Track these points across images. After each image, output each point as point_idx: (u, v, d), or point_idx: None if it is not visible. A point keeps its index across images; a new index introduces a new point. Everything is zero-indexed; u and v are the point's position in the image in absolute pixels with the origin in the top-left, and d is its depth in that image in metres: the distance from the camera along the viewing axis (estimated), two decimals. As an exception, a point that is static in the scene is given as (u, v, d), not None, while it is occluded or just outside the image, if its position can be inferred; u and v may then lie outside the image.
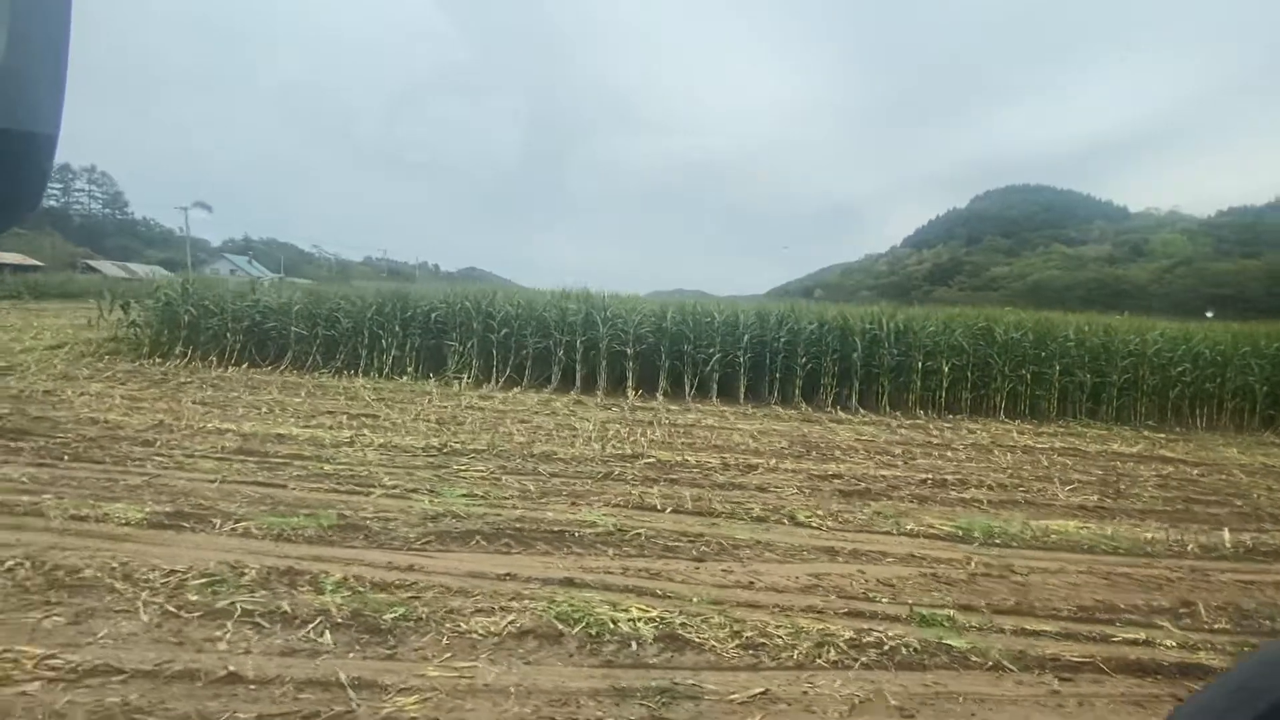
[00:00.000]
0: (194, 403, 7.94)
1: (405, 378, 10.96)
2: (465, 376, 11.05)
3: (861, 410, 10.34)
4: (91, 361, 10.79)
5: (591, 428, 7.79)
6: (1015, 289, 78.76)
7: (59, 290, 31.50)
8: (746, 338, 10.78)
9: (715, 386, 10.83)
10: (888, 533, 4.66)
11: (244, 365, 11.12)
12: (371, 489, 4.99)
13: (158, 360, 11.14)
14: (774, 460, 6.66)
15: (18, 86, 0.47)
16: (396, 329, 11.43)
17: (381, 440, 6.51)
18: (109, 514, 4.02)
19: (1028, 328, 10.72)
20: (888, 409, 10.44)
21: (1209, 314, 30.02)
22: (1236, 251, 79.84)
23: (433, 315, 11.52)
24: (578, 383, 10.97)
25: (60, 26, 0.49)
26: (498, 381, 10.99)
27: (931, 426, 9.33)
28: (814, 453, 7.22)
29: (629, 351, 10.99)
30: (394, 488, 5.03)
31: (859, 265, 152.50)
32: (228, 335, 11.47)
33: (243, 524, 4.02)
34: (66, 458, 5.29)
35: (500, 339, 11.29)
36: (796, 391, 10.69)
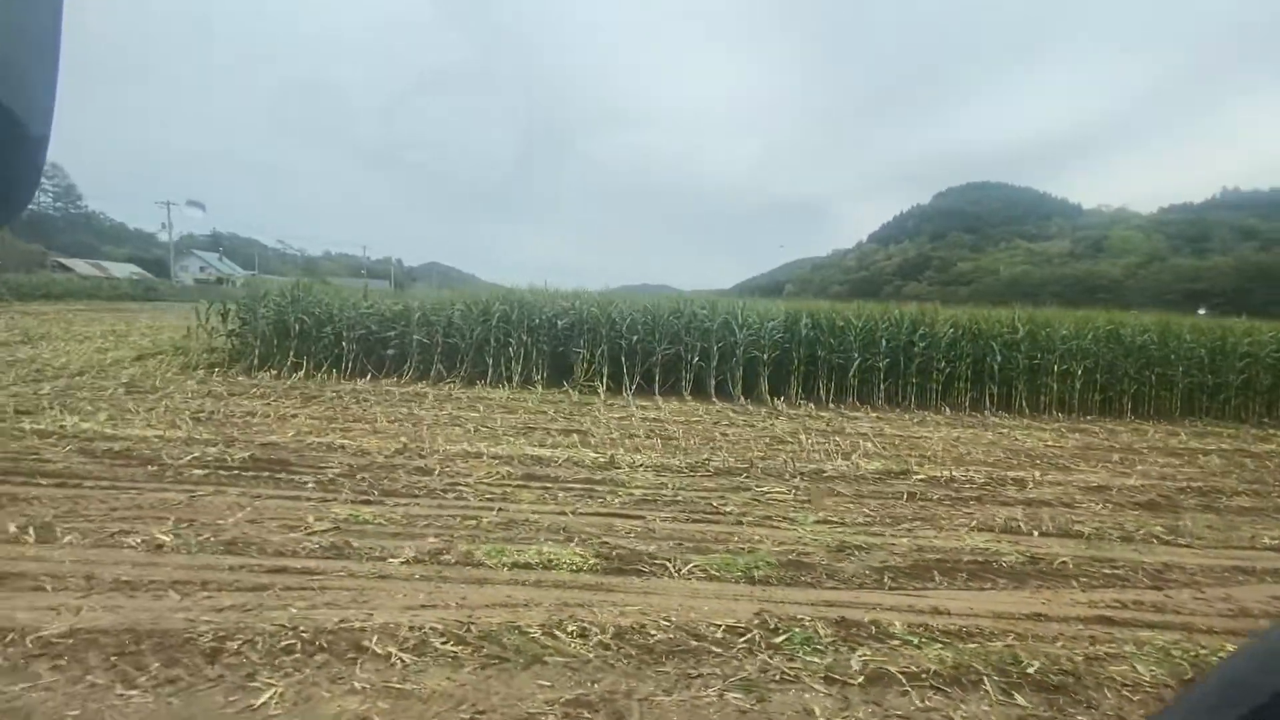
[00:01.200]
0: (389, 421, 7.48)
1: (537, 387, 10.61)
2: (599, 385, 10.77)
3: (1001, 413, 10.52)
4: (204, 375, 10.08)
5: (805, 439, 7.68)
6: (988, 284, 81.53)
7: (41, 292, 29.41)
8: (885, 343, 10.83)
9: (854, 391, 10.86)
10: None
11: (367, 376, 10.58)
12: (720, 517, 4.79)
13: (272, 372, 10.48)
14: (1046, 471, 6.69)
15: (9, 81, 0.46)
16: (524, 337, 11.05)
17: (640, 460, 6.26)
18: (553, 559, 3.74)
19: (1151, 330, 11.06)
20: (1025, 410, 10.66)
21: (1201, 310, 31.64)
22: (1186, 248, 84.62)
23: (559, 322, 11.17)
24: (712, 389, 10.83)
25: (52, 20, 0.48)
26: (631, 390, 10.75)
27: (1102, 429, 9.55)
28: (1096, 461, 7.28)
29: (764, 357, 10.91)
30: (742, 516, 4.83)
31: (828, 261, 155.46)
32: (343, 345, 10.89)
33: (688, 565, 3.80)
34: (377, 493, 4.90)
35: (630, 345, 11.05)
36: (937, 396, 10.79)
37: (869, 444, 7.64)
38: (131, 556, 3.56)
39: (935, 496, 5.60)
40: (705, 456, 6.61)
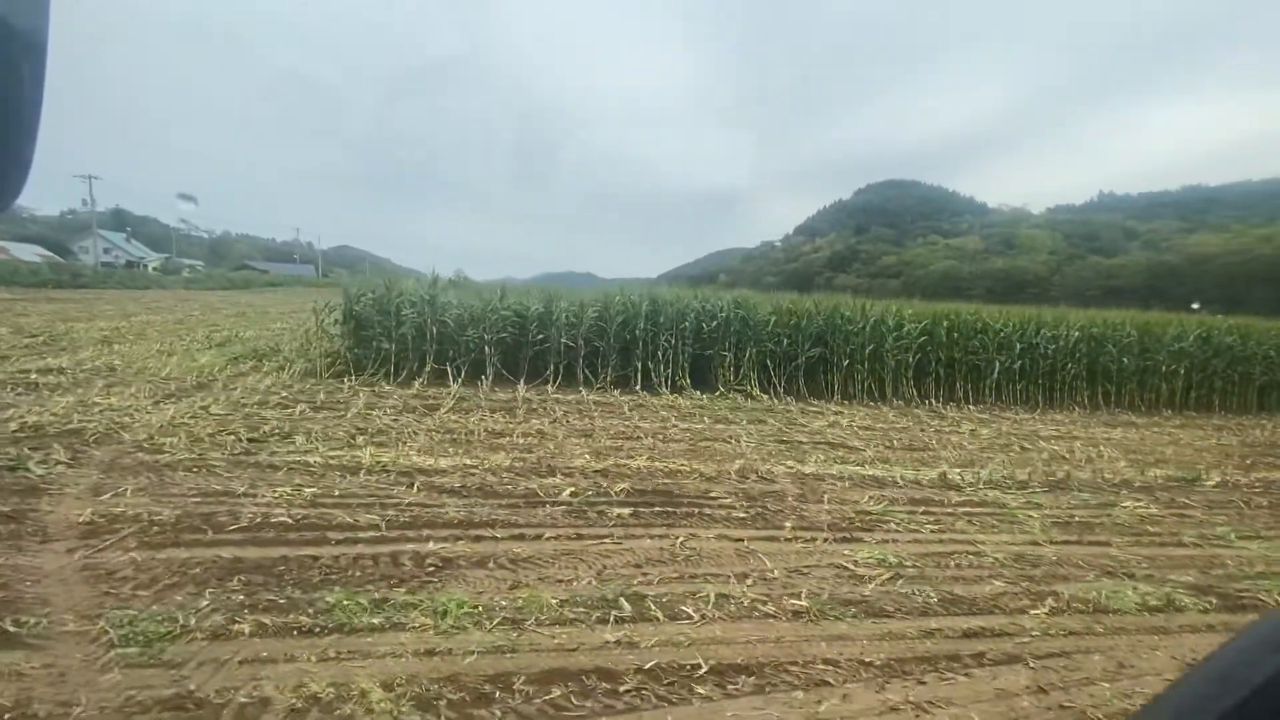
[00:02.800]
0: (660, 438, 6.92)
1: (694, 392, 10.20)
2: (750, 388, 10.52)
3: (1117, 410, 11.24)
4: (350, 385, 8.93)
5: (1049, 445, 7.86)
6: (917, 277, 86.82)
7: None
8: (1019, 345, 11.25)
9: (994, 392, 11.21)
10: None
11: (519, 383, 9.76)
12: (1166, 537, 4.79)
13: (417, 381, 9.45)
14: None
15: (2, 76, 0.46)
16: (670, 340, 10.58)
17: (972, 477, 6.15)
18: (1125, 599, 3.57)
19: (1235, 332, 12.12)
20: (1141, 408, 11.43)
21: (1195, 305, 34.98)
22: (1083, 246, 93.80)
23: (703, 325, 10.78)
24: (862, 392, 10.86)
25: (41, 12, 0.49)
26: (784, 393, 10.58)
27: (1238, 424, 10.38)
28: None
29: (909, 359, 11.04)
30: (1176, 534, 4.86)
31: (758, 252, 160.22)
32: (487, 350, 9.99)
33: None
34: (844, 527, 4.51)
35: (779, 349, 10.86)
36: (1060, 395, 11.35)
37: (1103, 449, 7.90)
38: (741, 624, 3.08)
39: (1250, 502, 5.88)
40: (1029, 470, 6.58)
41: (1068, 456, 7.39)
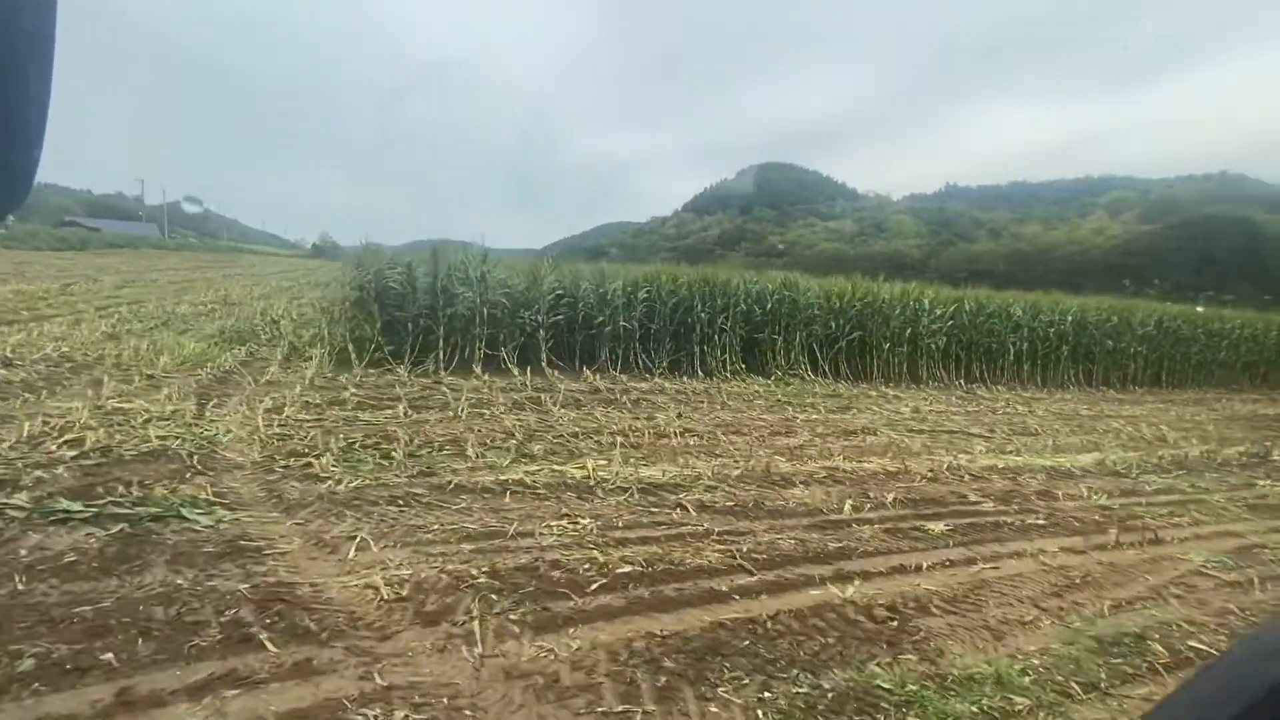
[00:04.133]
0: (821, 435, 6.47)
1: (751, 377, 9.86)
2: (803, 373, 10.37)
3: (1097, 388, 12.50)
4: (376, 374, 7.52)
5: (1156, 423, 8.44)
6: (805, 257, 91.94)
7: None
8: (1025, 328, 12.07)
9: (1006, 371, 11.95)
10: None
11: (577, 368, 8.81)
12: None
13: (463, 368, 8.20)
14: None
15: (8, 79, 0.46)
16: (725, 323, 10.10)
17: (1128, 458, 6.39)
18: None
19: (1179, 318, 13.89)
20: (1115, 386, 12.78)
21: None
22: (943, 232, 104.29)
23: (754, 308, 10.41)
24: (899, 375, 11.11)
25: (47, 12, 0.49)
26: (831, 377, 10.55)
27: (1205, 394, 11.85)
28: None
29: (940, 342, 11.45)
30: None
31: (648, 227, 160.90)
32: (540, 333, 8.90)
33: None
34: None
35: (821, 331, 10.79)
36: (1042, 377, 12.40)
37: (1148, 426, 8.64)
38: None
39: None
40: (1124, 453, 6.96)
41: (1137, 434, 7.99)
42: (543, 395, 7.24)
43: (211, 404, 5.64)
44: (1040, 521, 4.41)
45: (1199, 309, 16.43)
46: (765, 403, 8.15)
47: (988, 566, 3.57)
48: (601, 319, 9.29)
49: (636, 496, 4.23)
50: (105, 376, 6.09)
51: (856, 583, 3.21)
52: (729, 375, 9.78)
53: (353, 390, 6.62)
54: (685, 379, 9.25)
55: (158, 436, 4.51)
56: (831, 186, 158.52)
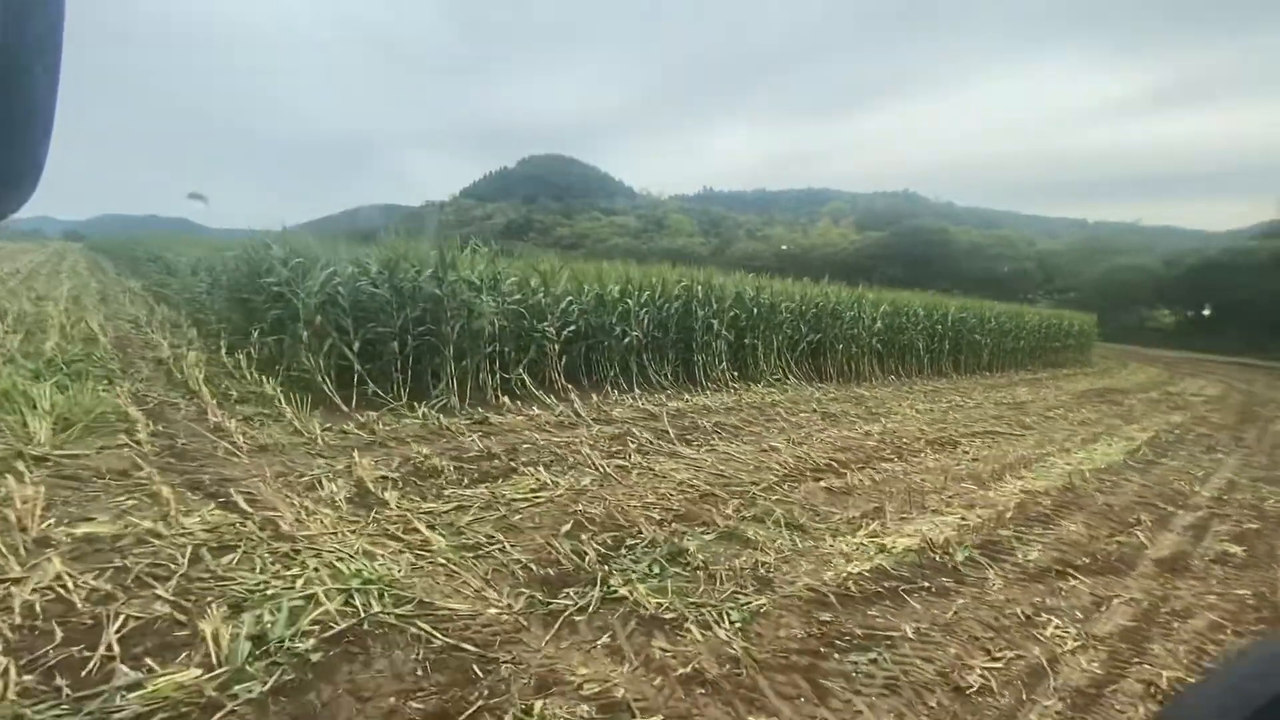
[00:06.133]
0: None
1: (742, 383, 9.40)
2: (784, 377, 10.23)
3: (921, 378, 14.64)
4: (386, 419, 5.39)
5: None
6: (598, 250, 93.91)
7: None
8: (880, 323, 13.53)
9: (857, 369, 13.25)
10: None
11: (626, 392, 7.37)
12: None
13: (474, 395, 6.27)
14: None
15: (16, 74, 0.46)
16: (719, 327, 9.43)
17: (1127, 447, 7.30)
18: None
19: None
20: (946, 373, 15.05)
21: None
22: (713, 230, 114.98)
23: (739, 312, 9.93)
24: (849, 374, 11.62)
25: (55, 11, 0.48)
26: (799, 379, 10.61)
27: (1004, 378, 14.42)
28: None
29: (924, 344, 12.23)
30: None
31: (423, 212, 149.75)
32: (550, 349, 7.23)
33: None
34: None
35: (791, 334, 10.77)
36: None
37: (1089, 411, 10.24)
38: None
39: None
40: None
41: (1121, 418, 9.41)
42: (633, 429, 5.85)
43: (207, 503, 3.33)
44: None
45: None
46: (854, 409, 7.73)
47: None
48: (619, 330, 7.95)
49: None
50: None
51: None
52: (724, 383, 9.17)
53: (423, 450, 4.55)
54: (711, 390, 8.39)
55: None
56: (611, 183, 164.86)
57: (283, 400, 5.34)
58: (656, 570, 3.03)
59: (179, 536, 2.92)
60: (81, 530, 2.89)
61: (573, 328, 7.55)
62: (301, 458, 4.29)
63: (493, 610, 2.57)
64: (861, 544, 3.62)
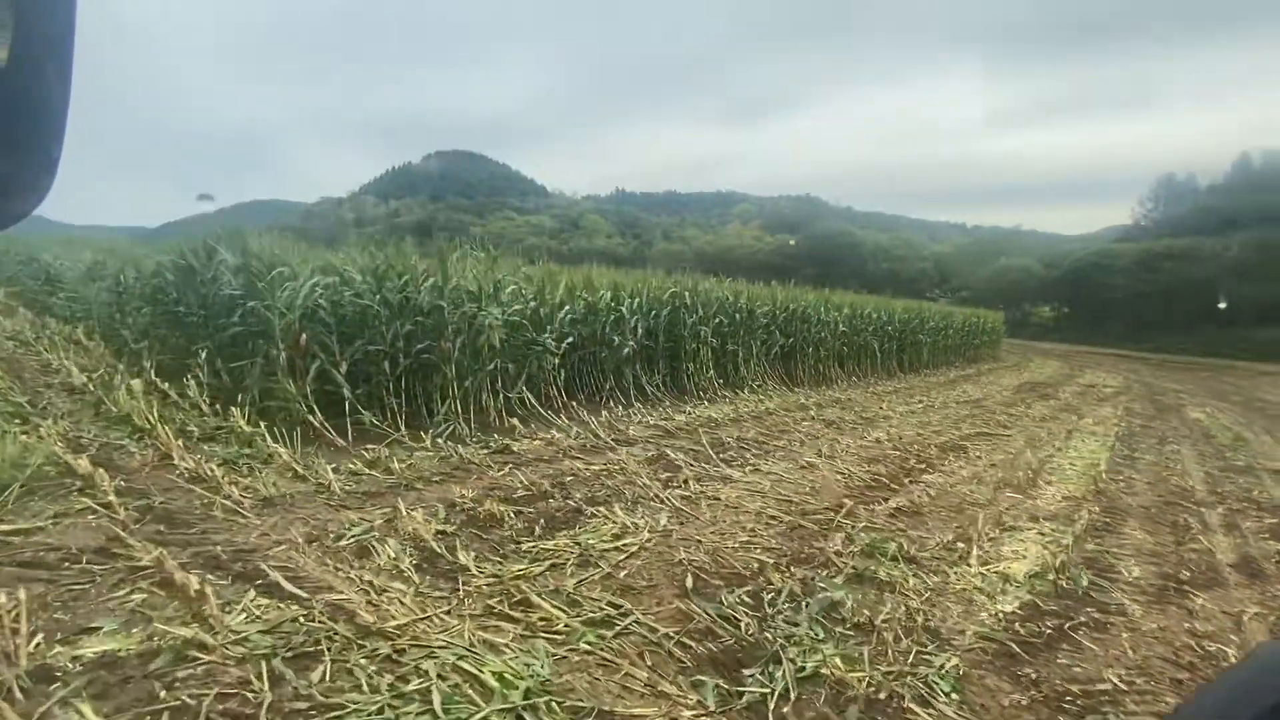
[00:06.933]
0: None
1: (721, 392, 9.19)
2: (764, 382, 10.12)
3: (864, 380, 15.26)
4: (387, 455, 4.67)
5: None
6: (518, 251, 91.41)
7: None
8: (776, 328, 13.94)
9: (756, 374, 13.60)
10: None
11: (642, 408, 6.85)
12: None
13: (480, 418, 5.60)
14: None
15: (29, 76, 0.46)
16: (707, 335, 9.15)
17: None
18: None
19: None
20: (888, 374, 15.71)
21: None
22: (628, 231, 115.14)
23: (722, 319, 9.69)
24: (819, 377, 11.72)
25: (66, 11, 0.48)
26: (775, 385, 10.56)
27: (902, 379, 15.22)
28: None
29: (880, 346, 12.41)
30: None
31: (320, 209, 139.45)
32: (554, 362, 6.64)
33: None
34: None
35: (765, 339, 10.70)
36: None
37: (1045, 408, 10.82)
38: None
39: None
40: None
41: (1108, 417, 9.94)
42: (666, 450, 5.40)
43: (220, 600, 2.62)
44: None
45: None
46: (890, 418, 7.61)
47: None
48: (618, 340, 7.46)
49: None
50: None
51: None
52: (717, 393, 8.92)
53: (463, 491, 3.88)
54: (703, 402, 8.07)
55: None
56: (523, 181, 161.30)
57: (267, 437, 4.45)
58: (822, 632, 2.65)
59: (233, 645, 2.20)
60: (90, 649, 2.11)
61: (570, 339, 6.99)
62: (322, 511, 3.53)
63: (687, 714, 2.08)
64: (984, 575, 3.41)
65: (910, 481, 5.22)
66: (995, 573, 3.43)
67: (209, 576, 2.66)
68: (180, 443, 4.28)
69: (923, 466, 5.81)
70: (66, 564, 2.68)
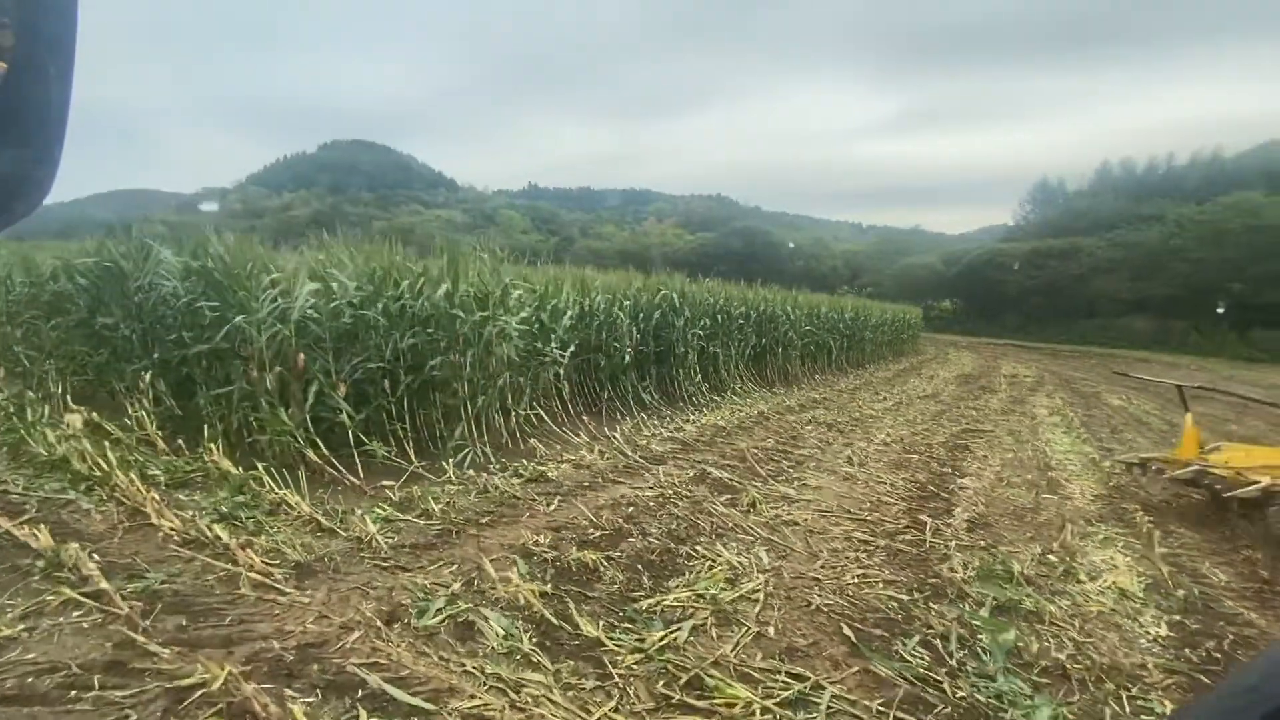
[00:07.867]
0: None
1: (716, 397, 8.96)
2: (741, 384, 9.96)
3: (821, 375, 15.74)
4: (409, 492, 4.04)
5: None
6: (431, 247, 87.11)
7: None
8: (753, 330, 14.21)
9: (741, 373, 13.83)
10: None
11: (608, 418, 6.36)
12: None
13: (496, 443, 4.98)
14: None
15: (31, 76, 0.46)
16: (694, 339, 8.84)
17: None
18: None
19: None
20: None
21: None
22: (544, 227, 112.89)
23: (707, 320, 9.41)
24: (783, 376, 11.74)
25: (67, 12, 0.48)
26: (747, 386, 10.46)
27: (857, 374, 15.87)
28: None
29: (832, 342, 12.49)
30: None
31: (199, 199, 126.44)
32: (560, 374, 6.07)
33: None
34: None
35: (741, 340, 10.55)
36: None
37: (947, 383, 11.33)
38: None
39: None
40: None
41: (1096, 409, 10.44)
42: (707, 468, 5.02)
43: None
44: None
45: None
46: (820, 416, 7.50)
47: None
48: (618, 346, 6.97)
49: None
50: None
51: None
52: (706, 398, 8.64)
53: (524, 534, 3.31)
54: (701, 409, 7.75)
55: None
56: (430, 174, 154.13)
57: (265, 480, 3.65)
58: (1023, 684, 2.38)
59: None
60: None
61: (572, 348, 6.45)
62: (376, 576, 2.87)
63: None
64: (1102, 591, 3.30)
65: (953, 488, 5.14)
66: (1109, 588, 3.33)
67: (288, 692, 2.01)
68: (153, 494, 3.41)
69: (948, 470, 5.79)
70: (74, 691, 1.93)
